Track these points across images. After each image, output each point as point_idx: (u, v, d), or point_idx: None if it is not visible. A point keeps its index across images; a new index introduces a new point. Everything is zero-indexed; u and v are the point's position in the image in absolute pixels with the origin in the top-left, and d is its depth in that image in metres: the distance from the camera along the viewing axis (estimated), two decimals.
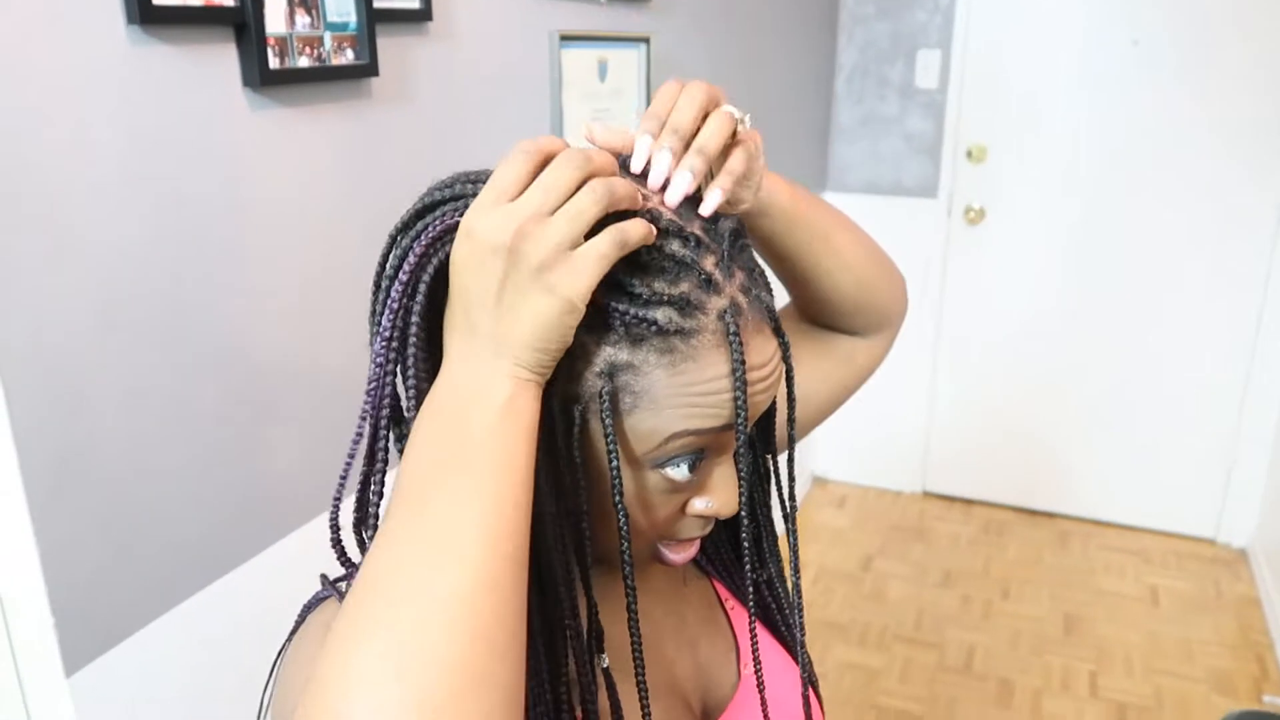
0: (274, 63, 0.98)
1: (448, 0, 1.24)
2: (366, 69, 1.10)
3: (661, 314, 0.48)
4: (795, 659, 0.70)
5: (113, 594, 0.90)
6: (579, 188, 0.46)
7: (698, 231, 0.51)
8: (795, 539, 0.60)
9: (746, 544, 0.57)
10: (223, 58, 0.94)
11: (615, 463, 0.50)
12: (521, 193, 0.46)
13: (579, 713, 0.54)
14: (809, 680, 0.65)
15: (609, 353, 0.49)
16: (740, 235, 0.54)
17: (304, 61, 1.02)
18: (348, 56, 1.08)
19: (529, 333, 0.46)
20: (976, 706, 2.38)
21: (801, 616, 0.64)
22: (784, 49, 2.64)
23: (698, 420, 0.50)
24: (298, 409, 1.09)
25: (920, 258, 3.19)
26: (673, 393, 0.50)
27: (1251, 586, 2.88)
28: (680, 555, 0.57)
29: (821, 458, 3.46)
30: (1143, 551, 3.07)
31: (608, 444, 0.50)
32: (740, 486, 0.55)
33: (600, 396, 0.49)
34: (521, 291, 0.45)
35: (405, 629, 0.40)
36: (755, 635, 0.61)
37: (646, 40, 1.77)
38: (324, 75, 1.05)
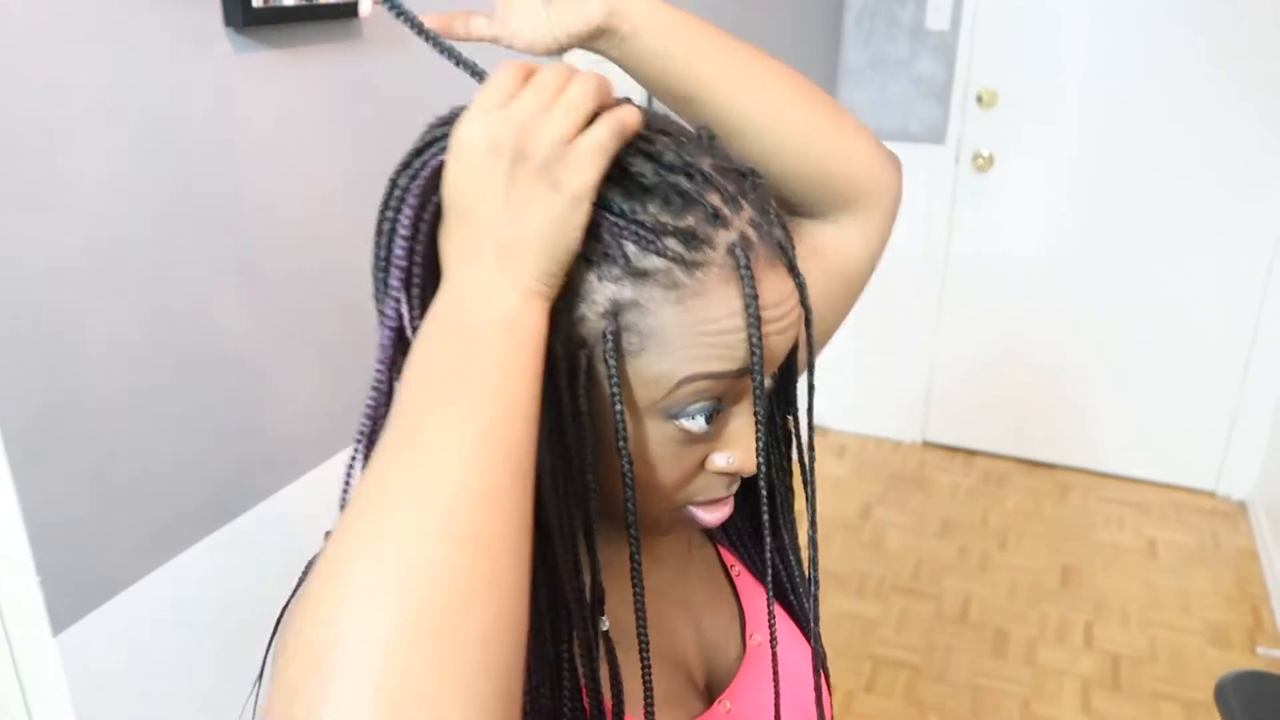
0: (258, 1, 0.93)
1: None
2: (354, 8, 1.06)
3: (666, 244, 0.46)
4: (805, 633, 0.68)
5: (101, 550, 0.89)
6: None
7: (705, 168, 0.48)
8: (814, 509, 0.57)
9: (766, 510, 0.54)
10: None
11: (619, 408, 0.47)
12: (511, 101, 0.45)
13: (581, 675, 0.52)
14: (820, 657, 0.63)
15: (612, 290, 0.46)
16: (755, 175, 0.51)
17: (289, 0, 0.98)
18: None
19: (536, 235, 0.44)
20: (971, 656, 2.40)
21: (816, 590, 0.62)
22: None
23: (711, 363, 0.48)
24: (291, 357, 1.07)
25: (926, 205, 3.14)
26: (682, 332, 0.47)
27: (1250, 539, 2.89)
28: (713, 515, 0.55)
29: (822, 406, 3.45)
30: (1142, 503, 3.07)
31: (611, 388, 0.47)
32: (758, 442, 0.51)
33: (604, 337, 0.47)
34: (527, 191, 0.44)
35: (398, 542, 0.37)
36: (773, 613, 0.59)
37: None
38: (311, 14, 1.00)
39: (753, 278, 0.47)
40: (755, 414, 0.50)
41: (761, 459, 0.51)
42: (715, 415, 0.50)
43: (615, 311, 0.47)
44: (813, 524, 0.58)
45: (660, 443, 0.50)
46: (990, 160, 3.05)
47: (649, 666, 0.52)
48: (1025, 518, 2.99)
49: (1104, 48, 2.85)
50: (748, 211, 0.49)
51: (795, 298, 0.51)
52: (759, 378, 0.49)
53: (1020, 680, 2.32)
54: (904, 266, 3.21)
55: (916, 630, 2.49)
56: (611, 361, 0.47)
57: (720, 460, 0.52)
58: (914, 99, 3.09)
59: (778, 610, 0.68)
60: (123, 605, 0.91)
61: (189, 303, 0.93)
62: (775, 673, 0.60)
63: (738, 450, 0.52)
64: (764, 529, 0.55)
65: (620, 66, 0.62)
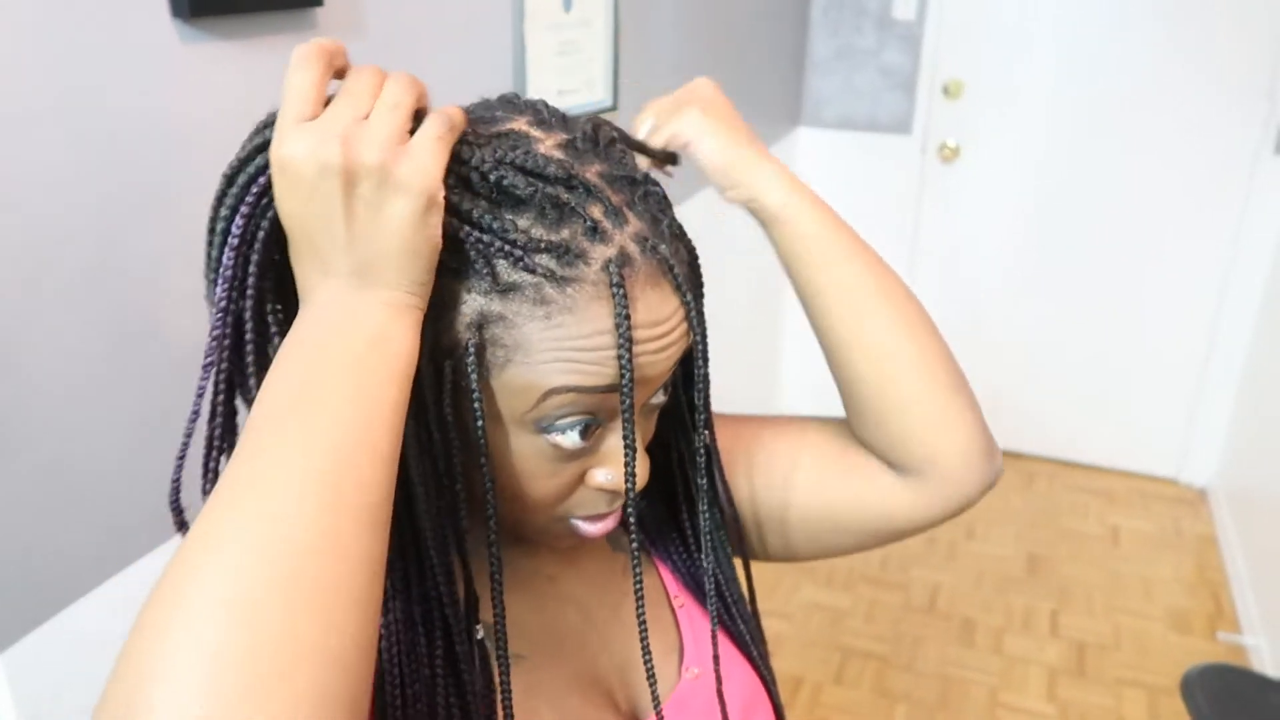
0: None
1: None
2: None
3: (537, 260, 0.44)
4: (747, 656, 0.66)
5: (46, 563, 0.85)
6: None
7: (589, 176, 0.46)
8: (710, 526, 0.56)
9: (690, 529, 0.54)
10: None
11: (480, 421, 0.46)
12: (324, 105, 0.42)
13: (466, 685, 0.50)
14: (768, 685, 0.61)
15: (479, 303, 0.45)
16: (648, 183, 0.49)
17: None
18: None
19: (394, 247, 0.42)
20: (939, 646, 2.42)
21: (758, 619, 0.60)
22: None
23: (576, 376, 0.46)
24: None
25: (894, 195, 3.14)
26: (549, 346, 0.45)
27: (1210, 526, 2.93)
28: (595, 527, 0.53)
29: (790, 398, 3.45)
30: (1106, 491, 3.11)
31: (472, 400, 0.46)
32: (628, 459, 0.49)
33: (466, 349, 0.45)
34: (371, 204, 0.41)
35: (220, 587, 0.33)
36: (716, 641, 0.58)
37: None
38: (262, 4, 0.97)
39: (625, 296, 0.45)
40: (625, 437, 0.48)
41: (631, 482, 0.49)
42: (591, 430, 0.49)
43: (480, 324, 0.45)
44: (699, 546, 0.58)
45: (532, 456, 0.49)
46: (956, 151, 3.05)
47: (507, 673, 0.50)
48: (992, 506, 3.01)
49: (1069, 39, 2.86)
50: (633, 225, 0.47)
51: (679, 316, 0.49)
52: (628, 400, 0.47)
53: (988, 669, 2.34)
54: None
55: (885, 620, 2.50)
56: (473, 374, 0.45)
57: (600, 476, 0.51)
58: (881, 89, 3.09)
59: (723, 641, 0.65)
60: (69, 621, 0.87)
61: (136, 303, 0.90)
62: (722, 704, 0.58)
63: (617, 467, 0.51)
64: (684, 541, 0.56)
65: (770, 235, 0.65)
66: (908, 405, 0.62)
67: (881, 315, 0.61)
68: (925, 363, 0.62)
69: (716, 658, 0.59)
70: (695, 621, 0.66)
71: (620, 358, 0.46)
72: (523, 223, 0.45)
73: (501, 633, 0.49)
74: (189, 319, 0.96)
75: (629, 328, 0.45)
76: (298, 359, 0.41)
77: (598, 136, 0.49)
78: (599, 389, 0.47)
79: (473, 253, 0.45)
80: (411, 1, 1.19)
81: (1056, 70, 2.89)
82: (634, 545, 0.51)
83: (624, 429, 0.48)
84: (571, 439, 0.48)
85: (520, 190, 0.45)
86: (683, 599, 0.66)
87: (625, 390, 0.47)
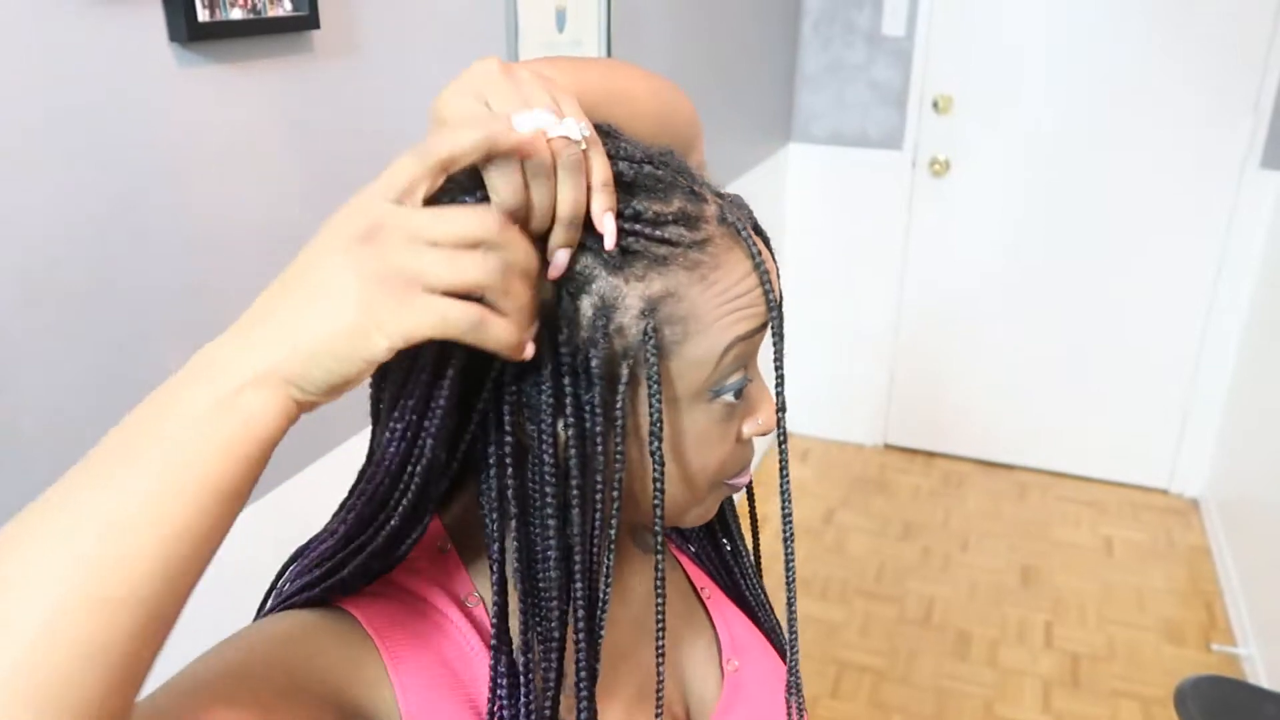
0: (203, 15, 0.91)
1: None
2: (306, 20, 1.03)
3: (673, 231, 0.47)
4: (771, 641, 0.68)
5: None
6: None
7: (656, 154, 0.50)
8: (787, 483, 0.57)
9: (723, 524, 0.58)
10: (146, 10, 0.87)
11: (658, 406, 0.47)
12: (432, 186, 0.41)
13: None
14: (794, 674, 0.62)
15: (640, 289, 0.47)
16: (672, 152, 0.53)
17: (237, 13, 0.95)
18: (285, 7, 1.01)
19: (326, 334, 0.38)
20: (935, 659, 2.42)
21: (795, 604, 0.60)
22: None
23: (744, 323, 0.50)
24: None
25: (884, 210, 3.16)
26: (714, 304, 0.48)
27: (1202, 536, 2.94)
28: (741, 479, 0.57)
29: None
30: (1098, 502, 3.12)
31: (649, 384, 0.47)
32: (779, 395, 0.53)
33: (646, 334, 0.47)
34: (336, 276, 0.38)
35: None
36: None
37: None
38: (259, 28, 0.98)
39: (752, 236, 0.50)
40: (776, 364, 0.52)
41: (781, 408, 0.53)
42: (742, 389, 0.52)
43: (651, 309, 0.47)
44: (724, 531, 0.62)
45: (709, 425, 0.52)
46: (947, 165, 3.07)
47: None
48: (985, 518, 3.02)
49: (1057, 54, 2.88)
50: (703, 183, 0.51)
51: (767, 245, 0.54)
52: (779, 324, 0.51)
53: (983, 681, 2.35)
54: (863, 271, 3.23)
55: (880, 633, 2.51)
56: (653, 360, 0.47)
57: (749, 426, 0.54)
58: (871, 104, 3.11)
59: (750, 629, 0.67)
60: None
61: (131, 327, 0.90)
62: None
63: (761, 410, 0.54)
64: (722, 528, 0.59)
65: None
66: (673, 112, 0.61)
67: (636, 94, 0.59)
68: (652, 86, 0.61)
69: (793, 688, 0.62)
70: (724, 611, 0.67)
71: (765, 290, 0.50)
72: (642, 202, 0.47)
73: (661, 624, 0.53)
74: (187, 344, 0.96)
75: (764, 262, 0.50)
76: (138, 408, 0.38)
77: (614, 130, 0.52)
78: (758, 330, 0.51)
79: (623, 247, 0.47)
80: (407, 23, 1.21)
81: (1045, 85, 2.92)
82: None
83: (776, 358, 0.51)
84: (737, 386, 0.51)
85: (627, 175, 0.47)
86: (708, 588, 0.68)
87: (774, 317, 0.51)
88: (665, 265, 0.47)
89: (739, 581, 0.69)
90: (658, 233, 0.47)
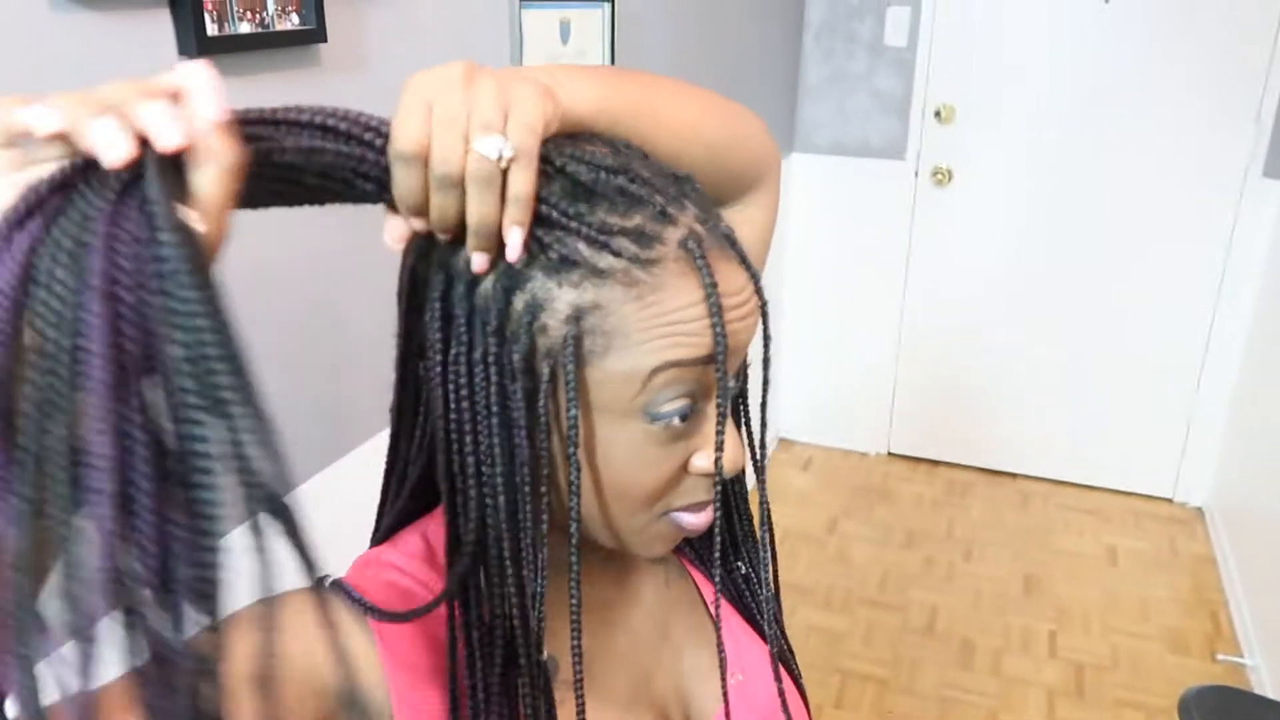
0: (212, 29, 0.92)
1: None
2: (314, 34, 1.04)
3: (619, 244, 0.46)
4: (784, 664, 0.68)
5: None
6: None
7: (641, 171, 0.49)
8: (767, 509, 0.57)
9: (719, 534, 0.56)
10: (156, 25, 0.88)
11: (574, 412, 0.48)
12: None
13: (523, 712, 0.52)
14: (795, 680, 0.63)
15: (571, 296, 0.46)
16: (691, 180, 0.52)
17: (245, 27, 0.96)
18: (293, 21, 1.02)
19: None
20: (938, 668, 2.42)
21: (780, 614, 0.61)
22: (753, 5, 2.58)
23: (677, 350, 0.48)
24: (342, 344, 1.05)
25: (887, 219, 3.17)
26: (645, 325, 0.47)
27: (1207, 545, 2.94)
28: (699, 518, 0.54)
29: (787, 418, 3.47)
30: (1102, 511, 3.12)
31: (567, 391, 0.47)
32: (726, 437, 0.51)
33: (566, 341, 0.47)
34: None
35: None
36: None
37: None
38: (267, 42, 0.99)
39: (708, 265, 0.48)
40: (718, 405, 0.50)
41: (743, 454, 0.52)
42: (691, 412, 0.50)
43: (577, 316, 0.47)
44: (766, 524, 0.59)
45: (641, 444, 0.50)
46: (949, 174, 3.08)
47: (582, 702, 0.52)
48: (988, 527, 3.02)
49: (1058, 63, 2.89)
50: (691, 209, 0.50)
51: (750, 288, 0.52)
52: (722, 368, 0.49)
53: (987, 691, 2.34)
54: (866, 279, 3.24)
55: (883, 642, 2.51)
56: (570, 366, 0.47)
57: (702, 460, 0.52)
58: (874, 114, 3.12)
59: (755, 642, 0.68)
60: None
61: None
62: None
63: (715, 450, 0.52)
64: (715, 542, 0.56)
65: None
66: (733, 155, 0.62)
67: (688, 112, 0.58)
68: (719, 115, 0.61)
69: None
70: (732, 626, 0.67)
71: (714, 325, 0.48)
72: (600, 210, 0.47)
73: (577, 655, 0.52)
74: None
75: (717, 295, 0.48)
76: None
77: (632, 146, 0.52)
78: (698, 360, 0.49)
79: (555, 246, 0.46)
80: (413, 35, 1.22)
81: (1047, 94, 2.93)
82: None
83: (718, 400, 0.50)
84: (674, 421, 0.50)
85: (585, 178, 0.47)
86: (719, 602, 0.68)
87: (719, 358, 0.48)
88: (602, 278, 0.47)
89: (749, 602, 0.69)
90: (600, 240, 0.46)
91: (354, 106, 1.13)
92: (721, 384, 0.49)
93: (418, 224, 0.46)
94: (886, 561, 2.84)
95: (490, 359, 0.47)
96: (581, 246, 0.46)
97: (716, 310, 0.48)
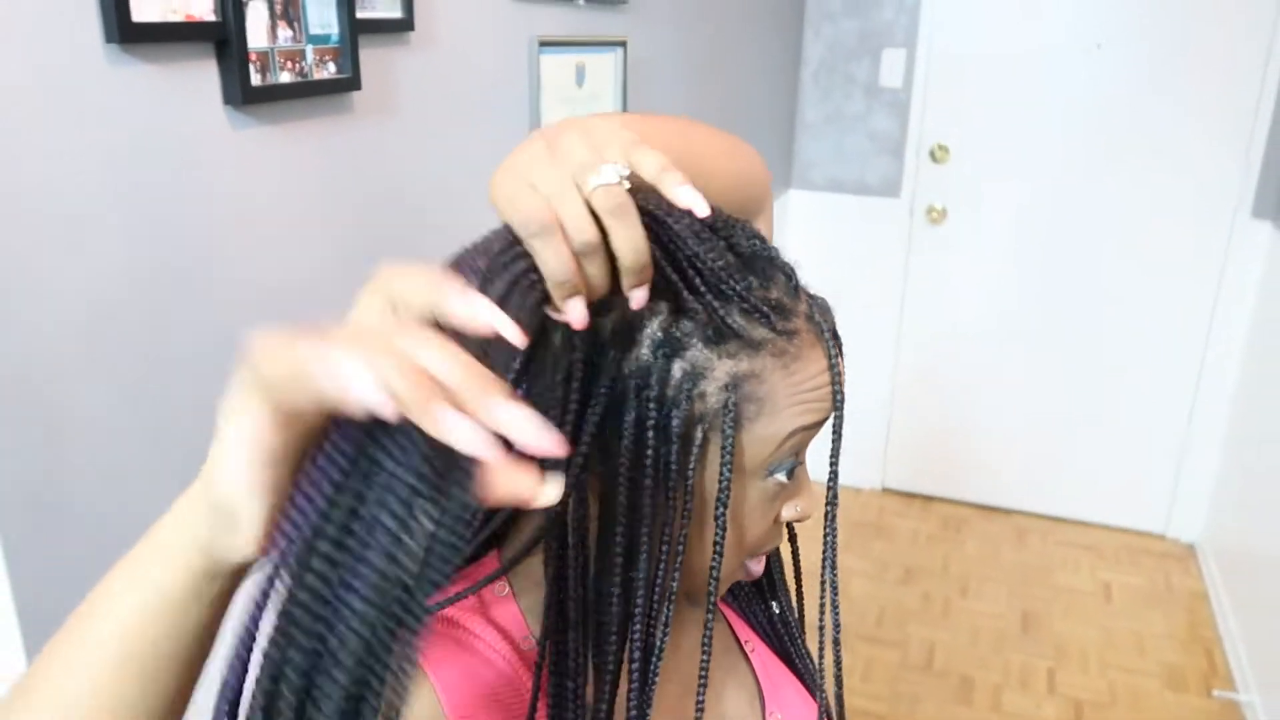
0: (256, 79, 0.94)
1: (429, 8, 1.21)
2: (349, 82, 1.06)
3: (769, 317, 0.50)
4: (813, 695, 0.69)
5: None
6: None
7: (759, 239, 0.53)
8: (834, 568, 0.58)
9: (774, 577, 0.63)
10: (204, 75, 0.90)
11: (727, 474, 0.50)
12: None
13: None
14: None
15: (730, 365, 0.49)
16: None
17: (286, 77, 0.98)
18: (330, 70, 1.04)
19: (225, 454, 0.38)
20: (938, 705, 2.42)
21: (839, 652, 0.62)
22: (753, 45, 2.63)
23: (810, 415, 0.52)
24: None
25: (882, 257, 3.21)
26: (789, 393, 0.51)
27: (1199, 581, 2.96)
28: (760, 564, 0.59)
29: None
30: (1096, 547, 3.14)
31: (723, 455, 0.50)
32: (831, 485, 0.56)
33: (726, 408, 0.50)
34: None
35: None
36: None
37: (623, 44, 1.74)
38: (307, 90, 1.01)
39: (838, 339, 0.53)
40: (832, 461, 0.55)
41: (834, 492, 0.56)
42: (794, 470, 0.55)
43: (735, 384, 0.50)
44: (771, 591, 0.66)
45: (758, 501, 0.54)
46: (944, 213, 3.13)
47: None
48: (985, 563, 3.04)
49: (1050, 103, 2.95)
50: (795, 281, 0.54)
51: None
52: (840, 422, 0.54)
53: None
54: (862, 315, 3.27)
55: (882, 679, 2.51)
56: (730, 431, 0.50)
57: (791, 509, 0.57)
58: (869, 153, 3.17)
59: (794, 683, 0.69)
60: None
61: (183, 383, 0.92)
62: None
63: (803, 498, 0.57)
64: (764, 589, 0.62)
65: None
66: (742, 186, 0.62)
67: (711, 155, 0.59)
68: (732, 150, 0.62)
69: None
70: (767, 664, 0.69)
71: (835, 392, 0.53)
72: (752, 280, 0.50)
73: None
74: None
75: (841, 362, 0.53)
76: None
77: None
78: (820, 423, 0.54)
79: (716, 315, 0.49)
80: (440, 81, 1.24)
81: (1039, 135, 2.99)
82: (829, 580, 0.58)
83: (832, 455, 0.55)
84: (788, 469, 0.54)
85: (744, 248, 0.50)
86: (752, 642, 0.70)
87: (838, 414, 0.54)
88: (757, 349, 0.50)
89: (784, 640, 0.71)
90: (757, 312, 0.49)
91: (385, 148, 1.16)
92: (836, 442, 0.54)
93: (577, 305, 0.44)
94: (884, 597, 2.85)
95: (649, 423, 0.49)
96: (738, 317, 0.49)
97: (838, 378, 0.53)
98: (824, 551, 0.58)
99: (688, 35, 2.12)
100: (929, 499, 3.41)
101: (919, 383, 3.31)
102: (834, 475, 0.57)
